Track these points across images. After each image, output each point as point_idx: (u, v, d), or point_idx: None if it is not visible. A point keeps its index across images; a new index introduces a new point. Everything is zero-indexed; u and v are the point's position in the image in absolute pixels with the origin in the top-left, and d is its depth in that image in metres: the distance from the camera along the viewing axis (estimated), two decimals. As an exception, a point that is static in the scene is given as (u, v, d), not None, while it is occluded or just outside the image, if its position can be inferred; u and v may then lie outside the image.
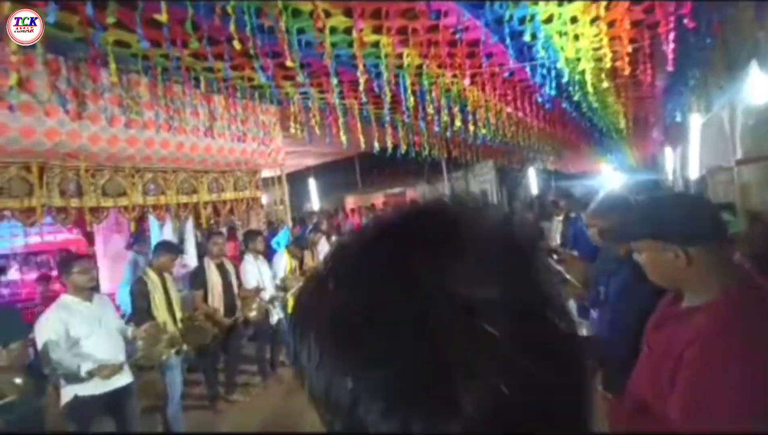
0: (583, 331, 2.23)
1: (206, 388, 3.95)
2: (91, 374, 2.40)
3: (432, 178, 13.29)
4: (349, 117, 4.81)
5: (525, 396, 0.26)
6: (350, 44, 2.86)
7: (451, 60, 3.29)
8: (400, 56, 3.21)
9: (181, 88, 3.69)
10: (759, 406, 0.75)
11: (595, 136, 9.20)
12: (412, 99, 3.88)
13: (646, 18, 2.89)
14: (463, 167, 12.42)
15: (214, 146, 4.20)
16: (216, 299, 3.84)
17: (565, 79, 3.73)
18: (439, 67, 3.49)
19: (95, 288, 2.80)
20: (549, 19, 2.83)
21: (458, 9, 2.60)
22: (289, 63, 2.65)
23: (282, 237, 5.37)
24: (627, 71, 3.10)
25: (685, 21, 2.41)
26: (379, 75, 3.38)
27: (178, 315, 3.38)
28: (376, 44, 2.97)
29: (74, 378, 2.39)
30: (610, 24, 2.82)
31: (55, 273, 5.33)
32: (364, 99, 3.74)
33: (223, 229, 5.07)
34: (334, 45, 2.81)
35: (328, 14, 2.51)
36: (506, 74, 3.75)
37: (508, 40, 2.82)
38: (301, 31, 2.70)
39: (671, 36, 2.70)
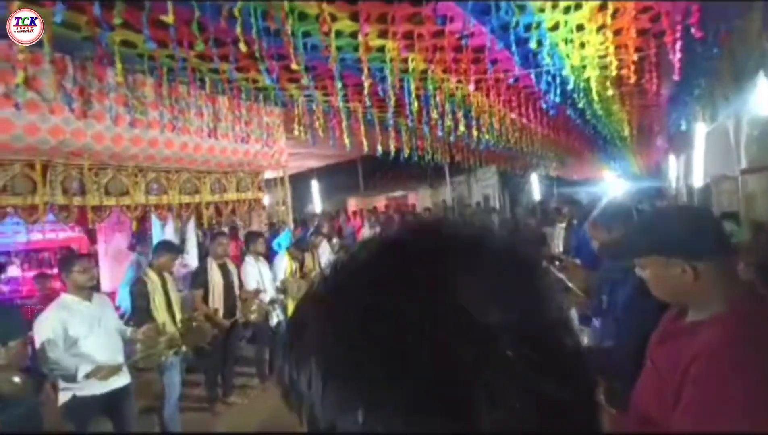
0: (585, 340, 2.21)
1: (206, 389, 3.93)
2: (88, 377, 2.39)
3: (434, 182, 13.31)
4: (352, 120, 4.82)
5: (540, 417, 0.26)
6: (356, 48, 2.86)
7: (456, 65, 3.30)
8: (405, 61, 3.22)
9: (186, 88, 3.70)
10: (766, 419, 0.73)
11: (599, 143, 9.19)
12: (416, 103, 3.89)
13: (653, 27, 2.89)
14: (466, 172, 12.43)
15: (218, 147, 4.21)
16: (216, 300, 3.83)
17: (570, 87, 3.73)
18: (444, 72, 3.49)
19: (95, 287, 2.80)
20: (555, 27, 2.83)
21: (464, 15, 2.60)
22: (294, 66, 2.66)
23: (283, 238, 5.36)
24: (633, 79, 3.10)
25: (693, 31, 2.40)
26: (383, 79, 3.38)
27: (178, 316, 3.37)
28: (381, 48, 2.97)
29: (71, 379, 2.39)
30: (617, 32, 2.82)
31: (53, 271, 5.34)
32: (368, 102, 3.74)
33: (225, 229, 5.06)
34: (339, 48, 2.82)
35: (334, 18, 2.51)
36: (511, 80, 3.75)
37: (513, 47, 2.82)
38: (306, 34, 2.71)
39: (678, 45, 2.69)
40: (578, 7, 2.60)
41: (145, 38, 2.31)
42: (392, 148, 5.89)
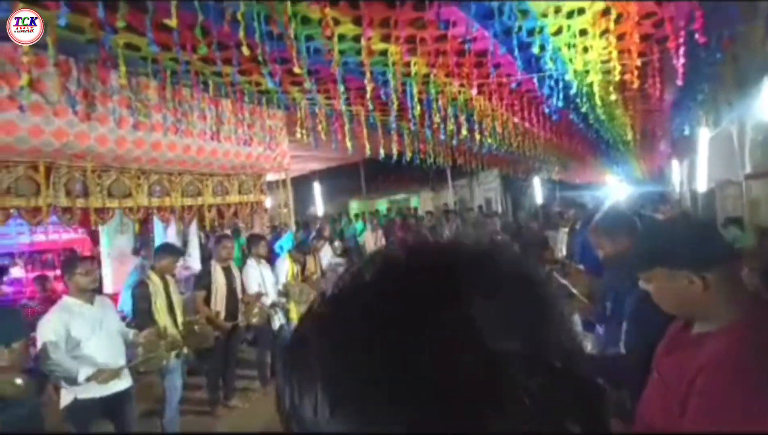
0: (588, 346, 2.19)
1: (207, 392, 3.92)
2: (89, 380, 2.39)
3: (437, 185, 13.30)
4: (355, 123, 4.83)
5: None
6: (358, 52, 2.87)
7: (458, 69, 3.30)
8: (407, 65, 3.22)
9: (189, 91, 3.72)
10: None
11: (602, 147, 9.18)
12: (418, 107, 3.89)
13: (656, 32, 2.88)
14: (468, 175, 12.42)
15: (220, 150, 4.22)
16: (219, 302, 3.83)
17: (572, 91, 3.72)
18: (447, 76, 3.50)
19: (97, 290, 2.80)
20: (558, 32, 2.83)
21: (467, 19, 2.60)
22: (296, 69, 2.67)
23: (285, 241, 5.36)
24: (636, 84, 3.09)
25: (696, 36, 2.39)
26: (386, 83, 3.39)
27: (179, 318, 3.37)
28: (384, 52, 2.98)
29: (72, 381, 2.39)
30: (620, 37, 2.82)
31: (53, 273, 5.35)
32: (370, 106, 3.75)
33: (228, 232, 5.07)
34: (342, 52, 2.82)
35: (337, 22, 2.52)
36: (513, 85, 3.75)
37: (516, 51, 2.82)
38: (309, 38, 2.72)
39: (681, 51, 2.68)
40: (581, 12, 2.60)
41: (149, 41, 2.32)
42: (394, 151, 5.89)
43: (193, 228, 5.05)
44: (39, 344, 2.39)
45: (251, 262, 4.25)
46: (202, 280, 3.89)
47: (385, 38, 2.80)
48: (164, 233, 4.65)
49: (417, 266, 0.31)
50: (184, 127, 3.74)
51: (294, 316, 4.40)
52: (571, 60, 3.17)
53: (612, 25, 2.61)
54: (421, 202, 14.07)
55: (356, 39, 2.74)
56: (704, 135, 5.69)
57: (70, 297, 2.56)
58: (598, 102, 3.99)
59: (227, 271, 3.93)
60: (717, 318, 0.89)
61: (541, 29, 2.75)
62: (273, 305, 4.19)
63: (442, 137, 5.19)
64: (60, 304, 2.56)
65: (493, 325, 0.27)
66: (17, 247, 5.88)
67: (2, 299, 4.91)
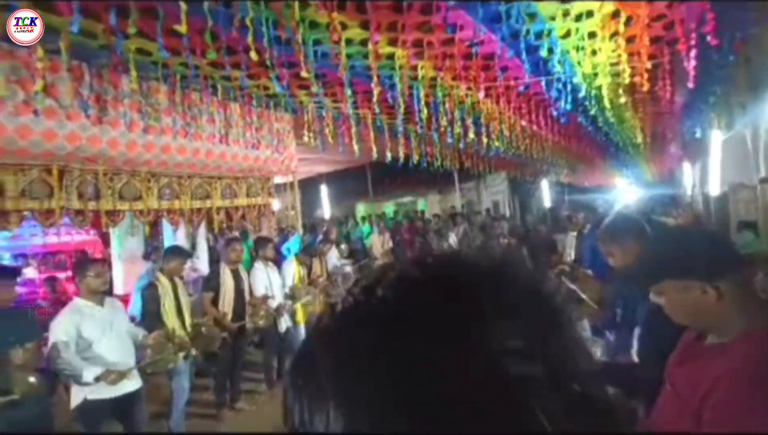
0: (597, 352, 2.16)
1: (214, 394, 3.94)
2: (97, 379, 2.42)
3: (444, 188, 13.27)
4: (362, 126, 4.84)
5: None
6: (365, 56, 2.88)
7: (465, 73, 3.29)
8: (414, 68, 3.22)
9: (198, 95, 3.76)
10: None
11: (611, 150, 9.08)
12: (425, 110, 3.89)
13: (666, 35, 2.85)
14: (476, 178, 12.37)
15: (229, 153, 4.26)
16: (227, 305, 3.86)
17: (581, 94, 3.69)
18: (454, 79, 3.49)
19: (107, 292, 2.84)
20: (566, 35, 2.81)
21: (474, 23, 2.59)
22: (304, 73, 2.68)
23: (293, 244, 5.38)
24: (646, 87, 3.05)
25: (708, 38, 2.36)
26: (393, 86, 3.39)
27: (188, 320, 3.40)
28: (391, 56, 2.99)
29: (79, 380, 2.42)
30: (629, 40, 2.79)
31: (65, 274, 5.43)
32: (377, 109, 3.76)
33: (236, 234, 5.11)
34: (349, 56, 2.84)
35: (344, 26, 2.53)
36: (521, 88, 3.73)
37: (524, 55, 2.80)
38: (317, 42, 2.73)
39: (693, 53, 2.65)
40: (590, 14, 2.58)
41: (159, 47, 2.35)
42: (401, 154, 5.90)
43: (202, 230, 5.09)
44: (49, 344, 2.44)
45: (258, 265, 4.27)
46: (211, 282, 3.92)
47: (393, 42, 2.81)
48: (173, 235, 4.70)
49: (431, 283, 0.30)
50: (194, 130, 3.79)
51: (300, 318, 4.41)
52: (579, 63, 3.15)
53: (621, 28, 2.59)
54: (428, 205, 14.05)
55: (363, 43, 2.76)
56: (717, 138, 5.60)
57: (81, 299, 2.60)
58: (607, 105, 3.95)
59: (235, 274, 3.96)
60: (731, 328, 0.87)
61: (549, 32, 2.73)
62: (278, 307, 4.20)
63: (450, 140, 5.17)
64: (71, 306, 2.60)
65: (510, 344, 0.27)
66: (30, 249, 6.00)
67: (16, 300, 5.00)
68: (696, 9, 2.45)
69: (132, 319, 3.24)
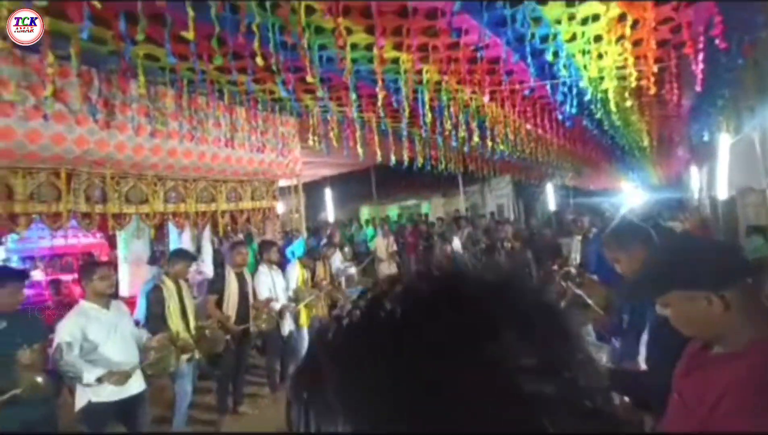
0: (603, 358, 2.14)
1: (217, 397, 3.94)
2: (100, 381, 2.44)
3: (448, 191, 13.24)
4: (366, 130, 4.85)
5: None
6: (370, 60, 2.89)
7: (470, 77, 3.29)
8: (419, 72, 3.23)
9: (205, 99, 3.79)
10: None
11: (617, 153, 9.02)
12: (430, 114, 3.89)
13: (673, 38, 2.83)
14: (480, 181, 12.33)
15: (234, 156, 4.28)
16: (231, 308, 3.86)
17: (587, 98, 3.68)
18: (458, 83, 3.49)
19: (113, 294, 2.86)
20: (572, 38, 2.81)
21: (479, 27, 2.60)
22: (309, 78, 2.70)
23: (297, 247, 5.39)
24: (652, 91, 3.03)
25: (717, 42, 2.34)
26: (398, 90, 3.40)
27: (192, 323, 3.41)
28: (396, 60, 3.00)
29: (82, 380, 2.43)
30: (636, 43, 2.77)
31: (72, 276, 5.48)
32: (382, 113, 3.77)
33: (241, 237, 5.13)
34: (354, 61, 2.85)
35: (350, 31, 2.54)
36: (526, 92, 3.72)
37: (529, 59, 2.80)
38: (322, 47, 2.75)
39: (700, 56, 2.63)
40: (596, 18, 2.57)
41: (167, 52, 2.38)
42: (405, 158, 5.90)
43: (207, 233, 5.11)
44: (54, 345, 2.46)
45: (263, 268, 4.28)
46: (215, 285, 3.93)
47: (398, 46, 2.81)
48: (179, 239, 4.72)
49: (438, 298, 0.30)
50: (200, 134, 3.82)
51: (303, 321, 4.41)
52: (585, 66, 3.13)
53: (628, 31, 2.58)
54: (432, 208, 14.02)
55: (368, 48, 2.77)
56: (725, 141, 5.54)
57: (87, 301, 2.62)
58: (614, 108, 3.93)
59: (240, 277, 3.97)
60: (737, 338, 0.86)
61: (555, 36, 2.72)
62: (280, 311, 4.20)
63: (454, 144, 5.17)
64: (77, 308, 2.62)
65: (519, 360, 0.27)
66: (38, 251, 6.06)
67: (25, 302, 5.05)
68: (704, 12, 2.44)
69: (136, 323, 3.26)
